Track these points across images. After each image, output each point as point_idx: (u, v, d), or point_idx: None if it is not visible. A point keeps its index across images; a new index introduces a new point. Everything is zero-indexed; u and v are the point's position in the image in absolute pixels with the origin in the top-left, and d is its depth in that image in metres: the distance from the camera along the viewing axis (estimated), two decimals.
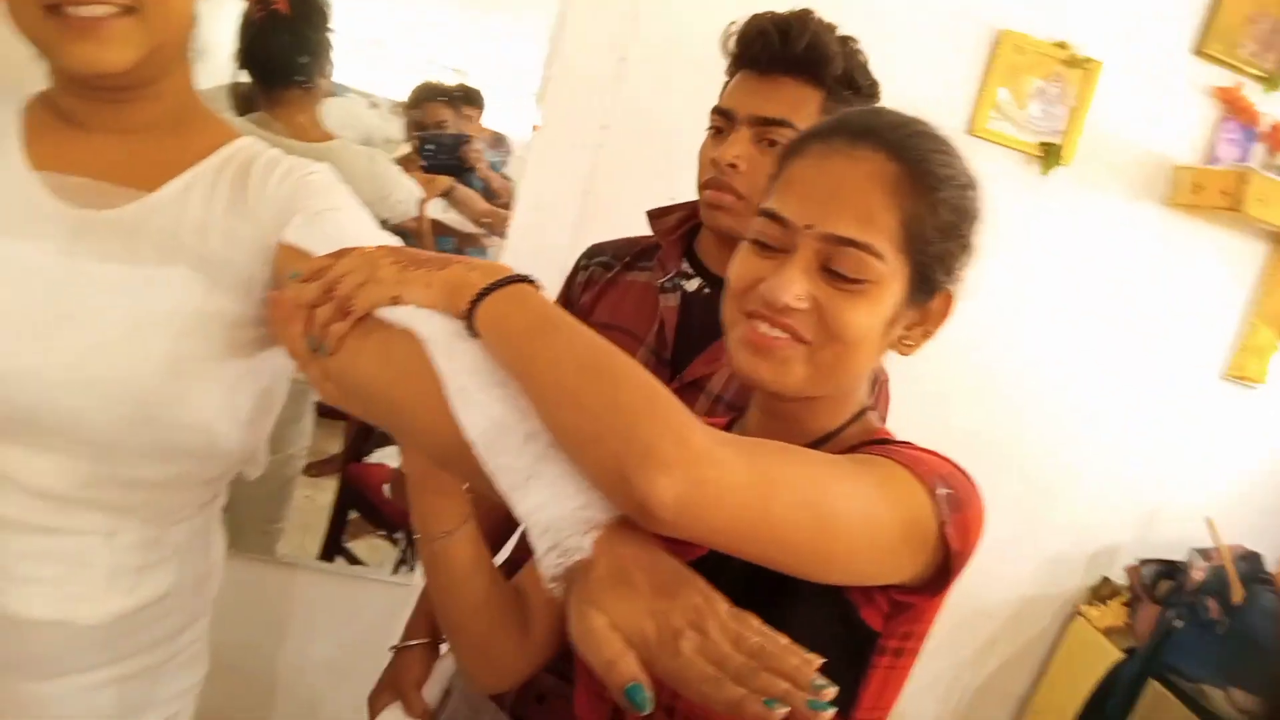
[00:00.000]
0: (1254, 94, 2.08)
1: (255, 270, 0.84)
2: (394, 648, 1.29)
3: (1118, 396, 2.16)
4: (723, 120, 1.17)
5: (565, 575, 0.59)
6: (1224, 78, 2.07)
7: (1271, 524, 2.22)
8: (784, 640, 0.58)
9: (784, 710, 0.53)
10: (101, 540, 0.83)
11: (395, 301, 0.70)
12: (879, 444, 0.77)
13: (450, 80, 2.26)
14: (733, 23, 1.19)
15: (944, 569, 0.71)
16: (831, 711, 0.54)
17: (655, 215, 1.30)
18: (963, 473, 0.74)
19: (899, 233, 0.73)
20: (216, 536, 0.98)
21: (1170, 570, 2.09)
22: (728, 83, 1.20)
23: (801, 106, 1.13)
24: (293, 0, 1.83)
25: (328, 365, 0.72)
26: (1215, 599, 1.91)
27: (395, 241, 0.84)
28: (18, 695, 0.82)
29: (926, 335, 0.80)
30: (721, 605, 0.58)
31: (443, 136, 2.46)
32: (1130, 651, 2.00)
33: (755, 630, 0.57)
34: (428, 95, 2.67)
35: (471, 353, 0.68)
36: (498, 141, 2.21)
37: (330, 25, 1.91)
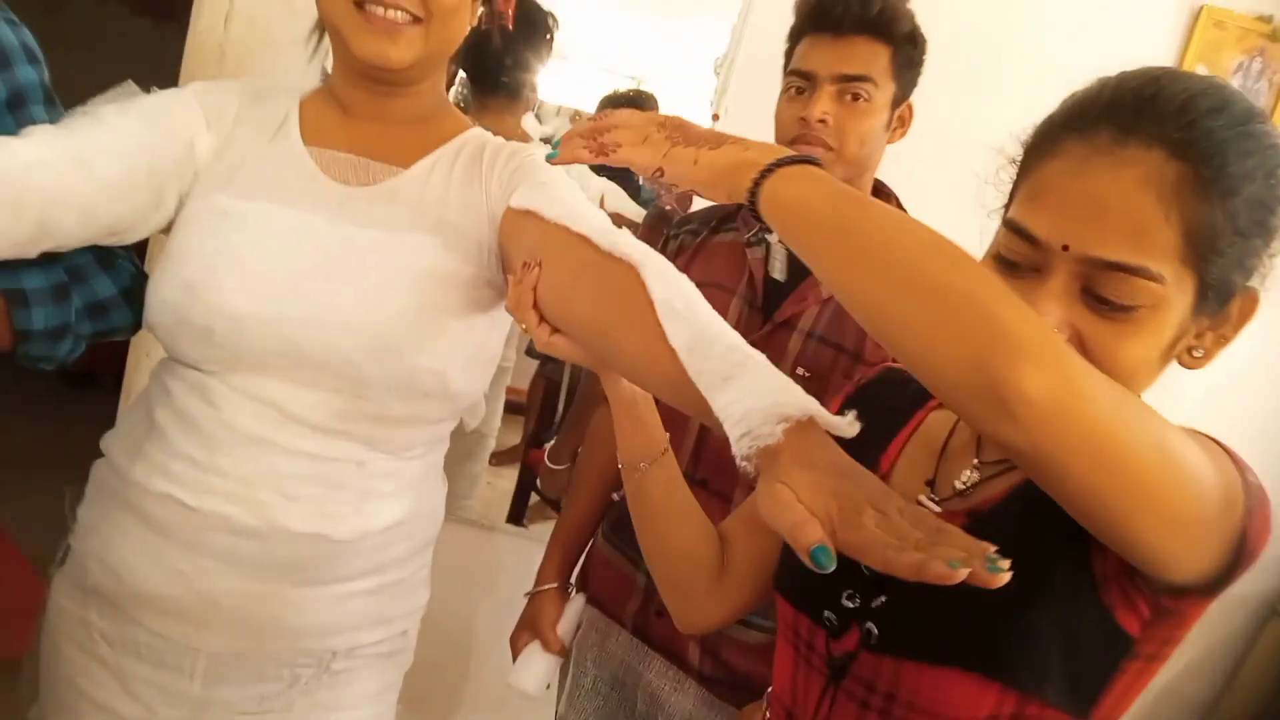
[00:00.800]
0: None
1: (485, 236, 0.97)
2: (528, 594, 1.48)
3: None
4: (803, 81, 1.27)
5: (756, 458, 0.62)
6: None
7: None
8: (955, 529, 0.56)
9: (965, 571, 0.51)
10: (353, 468, 0.97)
11: (658, 174, 0.71)
12: None
13: (627, 87, 2.39)
14: None
15: (1229, 568, 0.62)
16: (1007, 575, 0.52)
17: None
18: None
19: (1182, 247, 0.61)
20: (440, 478, 1.12)
21: None
22: (793, 46, 1.31)
23: (875, 62, 1.25)
24: (517, 17, 2.00)
25: (548, 308, 0.84)
26: None
27: (601, 215, 0.95)
28: (287, 597, 0.96)
29: (1222, 342, 0.68)
30: (896, 494, 0.58)
31: None
32: None
33: (930, 516, 0.57)
34: (610, 104, 2.82)
35: (678, 279, 0.79)
36: None
37: (551, 44, 2.06)
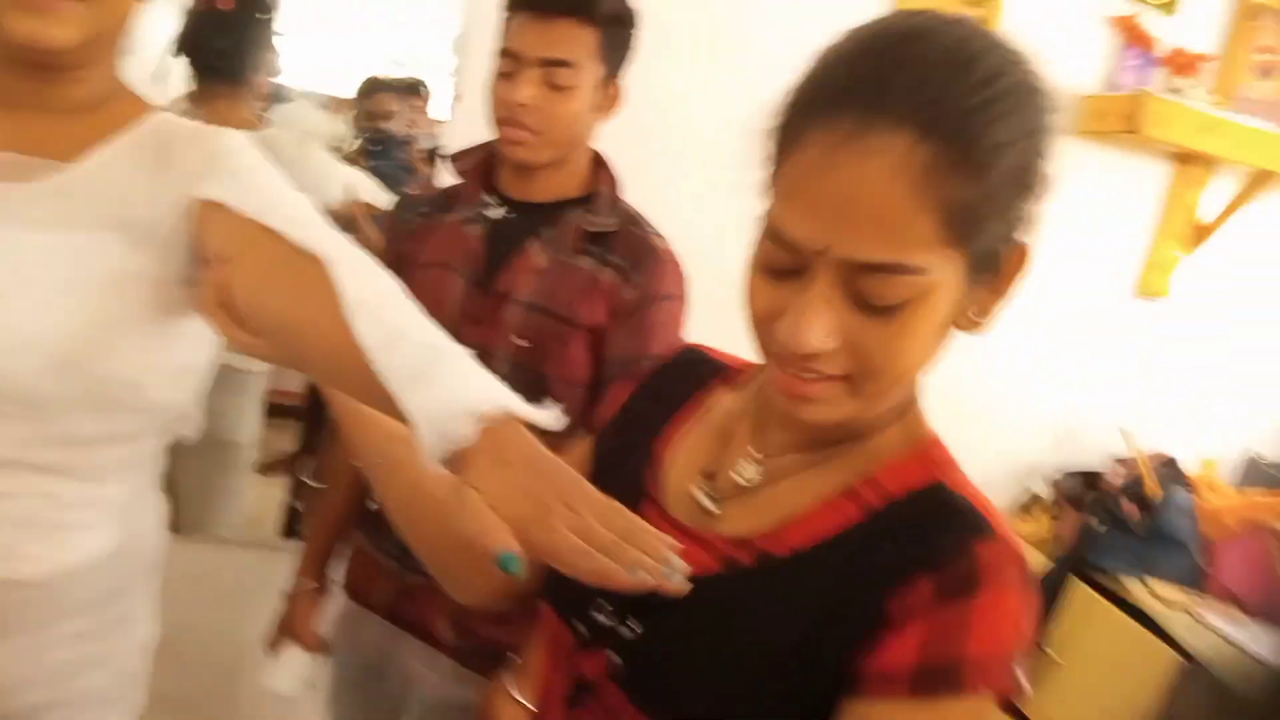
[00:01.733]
0: (1151, 20, 2.17)
1: (175, 230, 0.90)
2: (285, 593, 1.48)
3: (1035, 320, 2.25)
4: (511, 62, 1.28)
5: (449, 461, 0.61)
6: (1122, 6, 2.15)
7: (1184, 430, 2.35)
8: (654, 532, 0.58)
9: (647, 578, 0.53)
10: (42, 501, 0.88)
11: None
12: (934, 488, 0.66)
13: (395, 73, 2.30)
14: None
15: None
16: (685, 583, 0.55)
17: (456, 158, 1.44)
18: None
19: (942, 233, 0.58)
20: (155, 500, 1.04)
21: (1091, 480, 2.21)
22: (507, 22, 1.31)
23: (580, 45, 1.26)
24: None
25: (239, 307, 0.78)
26: (1133, 500, 2.04)
27: (305, 200, 0.90)
28: None
29: (997, 298, 0.65)
30: (592, 489, 0.59)
31: (388, 134, 2.48)
32: (1060, 561, 2.13)
33: (622, 512, 0.58)
34: (374, 88, 2.70)
35: (373, 274, 0.75)
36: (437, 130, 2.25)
37: (273, 23, 1.94)
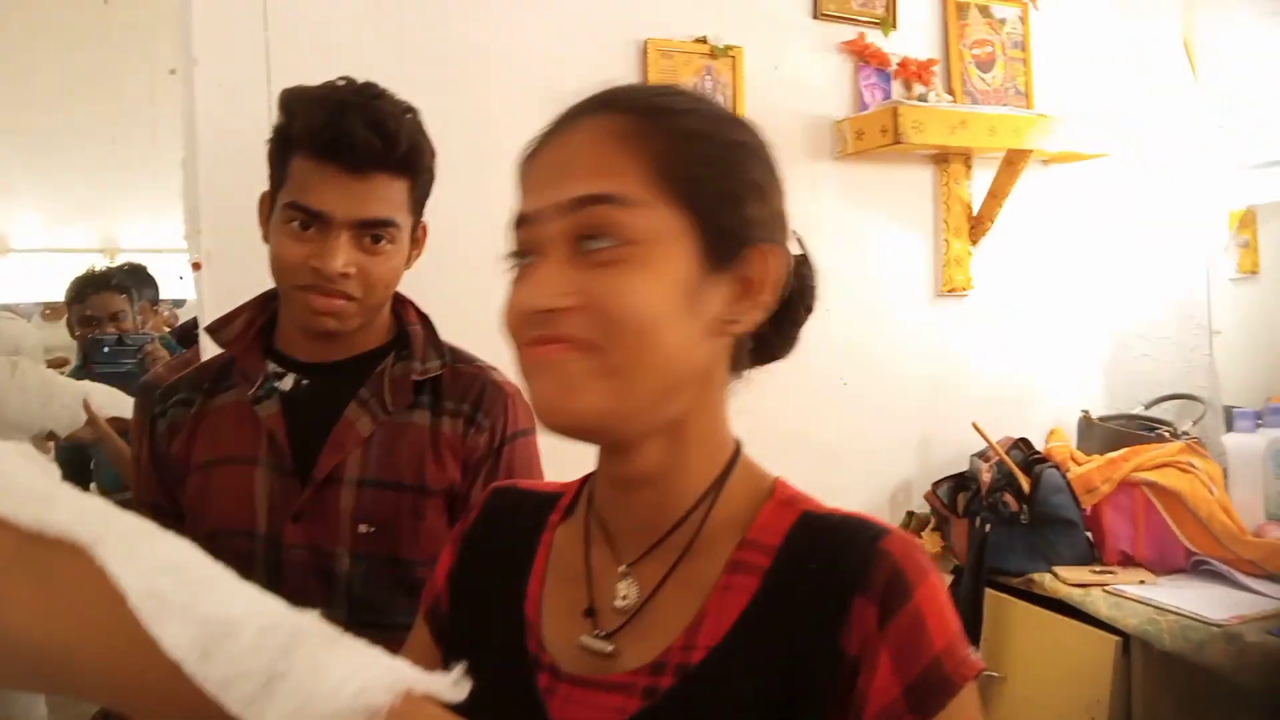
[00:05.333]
0: (876, 39, 2.25)
1: None
2: None
3: (854, 343, 2.24)
4: (312, 222, 1.09)
5: None
6: (848, 32, 2.22)
7: (1024, 411, 2.42)
8: None
9: None
10: None
11: None
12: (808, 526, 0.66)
13: (105, 263, 2.00)
14: (292, 93, 1.11)
15: None
16: None
17: (216, 328, 1.20)
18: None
19: (650, 173, 0.62)
20: None
21: (962, 482, 2.20)
22: (284, 160, 1.11)
23: (397, 200, 1.12)
24: None
25: None
26: (1010, 493, 2.03)
27: (27, 450, 0.64)
28: None
29: (758, 306, 0.66)
30: None
31: (122, 338, 2.14)
32: (958, 570, 2.09)
33: None
34: (91, 285, 2.33)
35: (160, 547, 0.52)
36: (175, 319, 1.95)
37: None
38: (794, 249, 0.71)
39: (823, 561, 0.63)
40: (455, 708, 0.48)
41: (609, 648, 0.67)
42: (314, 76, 1.12)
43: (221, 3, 1.55)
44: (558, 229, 0.62)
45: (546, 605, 0.72)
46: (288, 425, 1.13)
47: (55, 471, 0.63)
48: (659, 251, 0.62)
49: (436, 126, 1.16)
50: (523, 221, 0.65)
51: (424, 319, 1.23)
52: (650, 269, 0.61)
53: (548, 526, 0.76)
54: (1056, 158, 2.39)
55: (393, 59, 1.55)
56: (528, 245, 0.65)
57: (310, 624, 0.50)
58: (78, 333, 2.29)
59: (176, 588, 0.49)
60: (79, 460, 2.24)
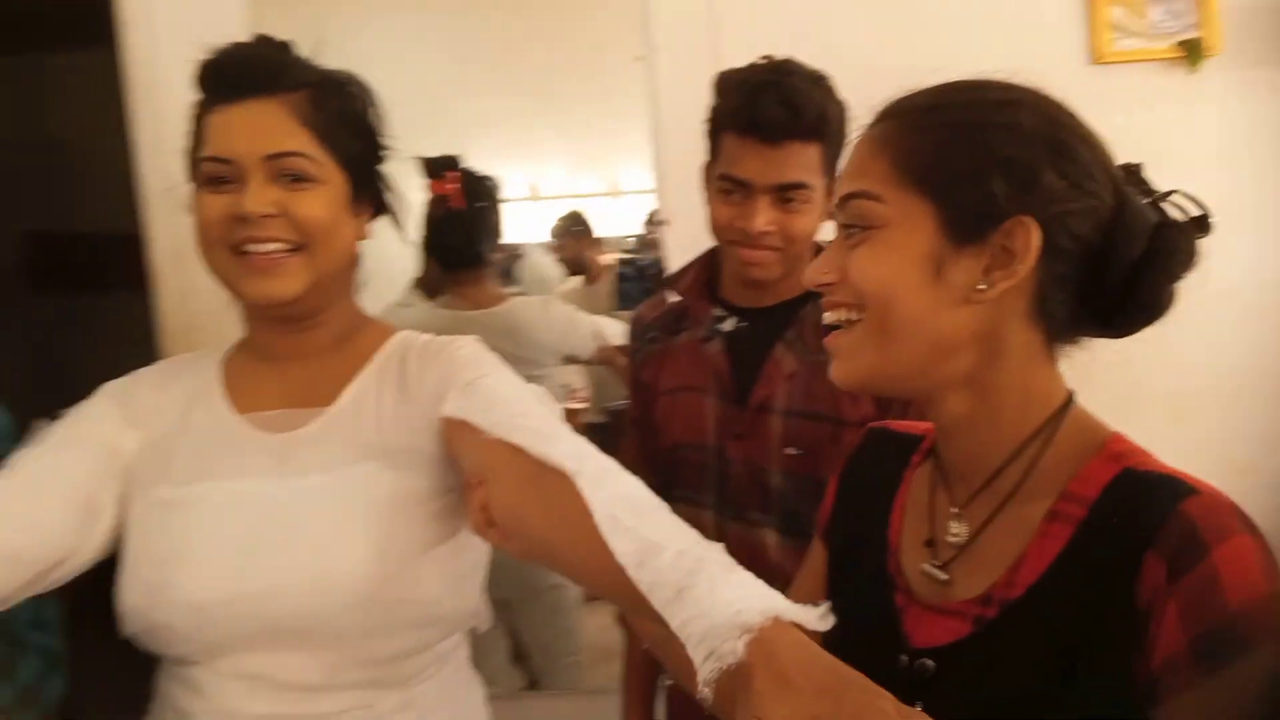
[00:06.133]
0: None
1: (431, 447, 0.97)
2: None
3: None
4: (738, 189, 1.27)
5: (721, 682, 0.58)
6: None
7: None
8: None
9: None
10: (362, 713, 0.95)
11: None
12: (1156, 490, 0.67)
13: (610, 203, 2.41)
14: (721, 76, 1.29)
15: None
16: None
17: (671, 282, 1.45)
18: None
19: (893, 168, 0.74)
20: (469, 682, 1.10)
21: None
22: (716, 135, 1.30)
23: (810, 165, 1.27)
24: (466, 194, 2.07)
25: (504, 529, 0.83)
26: None
27: (540, 394, 0.96)
28: None
29: (1010, 275, 0.71)
30: (888, 702, 0.54)
31: (642, 261, 2.57)
32: None
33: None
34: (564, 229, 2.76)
35: (618, 482, 0.77)
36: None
37: (499, 206, 2.14)
38: (1151, 212, 0.71)
39: (1124, 516, 0.67)
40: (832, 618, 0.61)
41: (944, 577, 0.77)
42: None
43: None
44: (838, 219, 0.78)
45: (904, 535, 0.84)
46: (730, 360, 1.35)
47: (559, 411, 0.94)
48: (898, 233, 0.72)
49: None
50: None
51: None
52: (889, 247, 0.73)
53: (910, 465, 0.87)
54: None
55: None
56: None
57: (714, 554, 0.67)
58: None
59: (627, 513, 0.73)
60: None
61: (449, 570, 0.98)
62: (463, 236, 2.12)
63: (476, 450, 0.89)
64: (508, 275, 2.31)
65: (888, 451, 0.90)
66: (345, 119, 1.00)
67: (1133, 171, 0.75)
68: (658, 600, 0.65)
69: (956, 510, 0.79)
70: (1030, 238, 0.70)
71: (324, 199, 0.96)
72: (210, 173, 0.94)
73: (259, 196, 0.92)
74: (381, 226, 1.10)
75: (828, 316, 0.78)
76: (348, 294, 1.05)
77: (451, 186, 2.09)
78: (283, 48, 1.00)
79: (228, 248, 0.94)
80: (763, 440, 1.32)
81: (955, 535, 0.78)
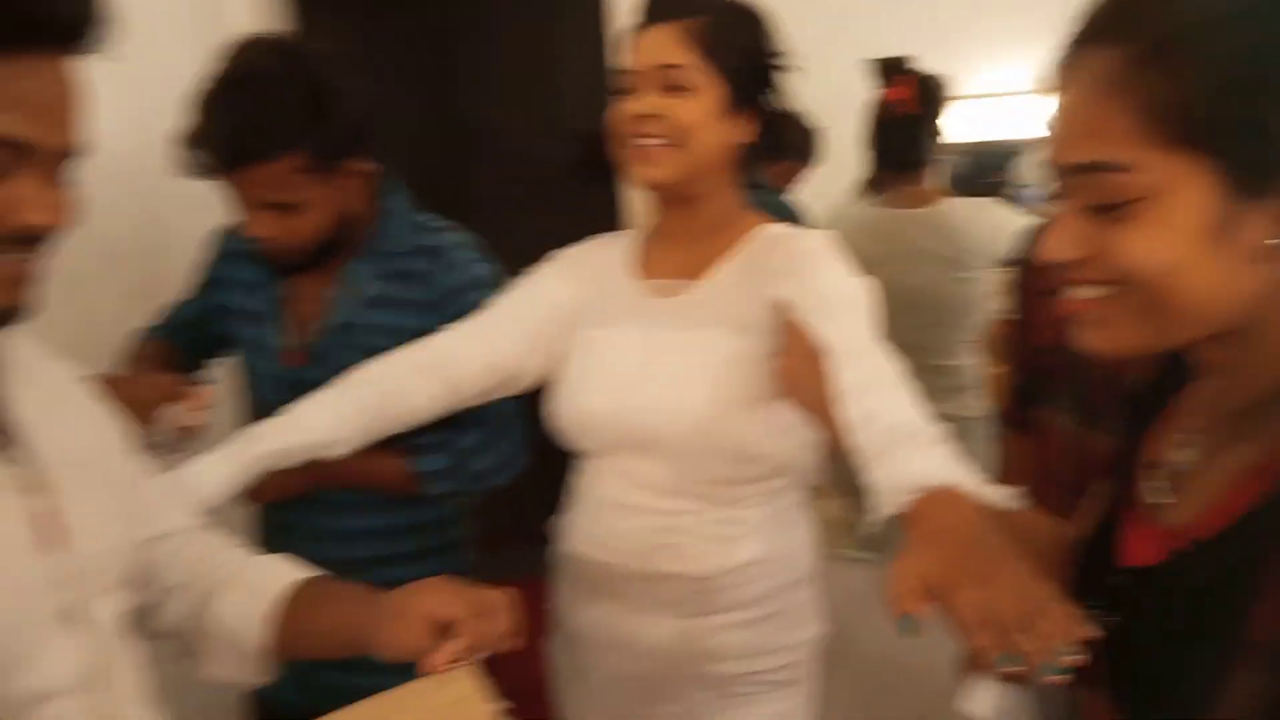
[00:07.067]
0: None
1: (766, 321, 1.17)
2: None
3: None
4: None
5: (889, 524, 0.75)
6: None
7: None
8: (1064, 609, 0.64)
9: (1015, 668, 0.58)
10: (691, 517, 1.20)
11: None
12: None
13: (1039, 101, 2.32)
14: None
15: None
16: (1059, 675, 0.59)
17: None
18: None
19: (1143, 125, 0.61)
20: (796, 525, 1.28)
21: None
22: None
23: None
24: (917, 98, 2.15)
25: (788, 389, 1.10)
26: None
27: (863, 291, 1.13)
28: (679, 629, 1.21)
29: None
30: (1012, 567, 0.62)
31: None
32: None
33: (1034, 595, 0.63)
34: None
35: (872, 360, 0.99)
36: None
37: (942, 110, 2.18)
38: None
39: None
40: None
41: (1165, 500, 0.74)
42: None
43: None
44: (1067, 186, 0.66)
45: (1150, 446, 0.80)
46: None
47: (863, 303, 1.14)
48: (1169, 202, 0.61)
49: None
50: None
51: None
52: (1162, 223, 0.62)
53: (1182, 390, 0.82)
54: None
55: None
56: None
57: (927, 431, 0.90)
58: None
59: (863, 388, 0.98)
60: None
61: (768, 419, 1.17)
62: (906, 140, 2.18)
63: (787, 326, 1.11)
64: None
65: (1171, 374, 0.85)
66: (733, 40, 1.19)
67: None
68: (861, 458, 0.89)
69: (1184, 436, 0.76)
70: None
71: (699, 106, 1.15)
72: (621, 82, 1.20)
73: (644, 100, 1.16)
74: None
75: (1078, 293, 0.68)
76: (724, 187, 1.25)
77: (903, 91, 2.16)
78: None
79: (624, 141, 1.19)
80: None
81: (1175, 461, 0.75)
